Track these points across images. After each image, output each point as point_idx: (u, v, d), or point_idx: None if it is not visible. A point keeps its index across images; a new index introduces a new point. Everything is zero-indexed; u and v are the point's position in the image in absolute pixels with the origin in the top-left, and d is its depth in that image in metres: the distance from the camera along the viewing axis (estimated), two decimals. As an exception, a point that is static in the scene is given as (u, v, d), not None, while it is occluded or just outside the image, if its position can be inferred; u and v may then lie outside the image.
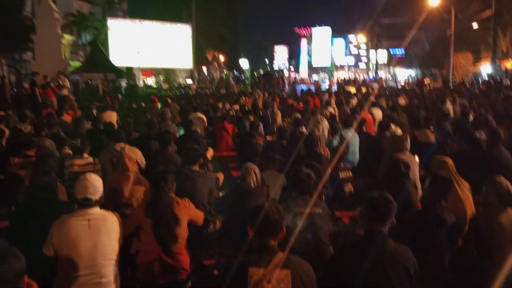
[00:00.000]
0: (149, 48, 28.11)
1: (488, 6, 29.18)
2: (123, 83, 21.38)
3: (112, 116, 9.06)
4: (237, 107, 11.98)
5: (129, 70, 21.14)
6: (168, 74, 31.80)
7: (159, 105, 12.55)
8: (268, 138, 8.08)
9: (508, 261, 3.18)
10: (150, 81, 26.62)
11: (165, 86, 25.71)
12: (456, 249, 3.26)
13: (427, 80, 31.18)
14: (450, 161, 4.24)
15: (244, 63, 59.36)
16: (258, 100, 14.32)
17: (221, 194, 4.91)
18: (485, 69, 33.43)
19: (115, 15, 32.49)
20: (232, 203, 3.90)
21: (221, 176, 5.25)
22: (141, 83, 25.94)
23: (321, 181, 3.99)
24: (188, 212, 3.39)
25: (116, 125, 8.28)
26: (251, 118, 8.69)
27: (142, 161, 5.38)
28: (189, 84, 27.51)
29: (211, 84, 29.36)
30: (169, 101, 13.49)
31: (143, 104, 13.28)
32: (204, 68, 40.94)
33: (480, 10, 30.53)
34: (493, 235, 3.21)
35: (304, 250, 3.07)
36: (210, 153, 6.56)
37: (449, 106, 11.12)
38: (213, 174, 4.97)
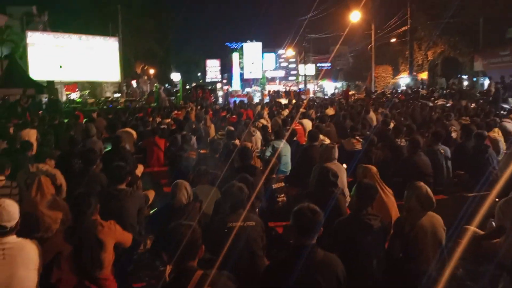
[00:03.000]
0: (73, 61, 26.76)
1: (405, 22, 31.57)
2: (44, 99, 20.09)
3: (31, 134, 8.43)
4: (168, 120, 11.73)
5: (50, 84, 19.82)
6: (94, 88, 30.46)
7: (84, 121, 11.93)
8: (202, 151, 8.00)
9: (430, 260, 3.38)
10: (74, 96, 25.24)
11: (90, 100, 24.46)
12: (382, 253, 3.38)
13: (351, 92, 32.87)
14: (374, 169, 4.44)
15: (175, 76, 58.73)
16: (191, 113, 14.18)
17: (151, 212, 4.72)
18: (404, 80, 36.01)
19: (34, 29, 30.57)
20: (162, 221, 3.76)
21: (151, 194, 5.07)
22: (64, 98, 24.50)
23: (253, 193, 3.99)
24: (113, 235, 3.19)
25: (35, 143, 7.71)
26: (183, 132, 8.53)
27: (62, 181, 5.01)
28: (117, 98, 26.50)
29: (141, 98, 28.61)
30: (95, 116, 12.89)
31: (66, 120, 12.54)
32: (134, 82, 39.79)
33: (397, 26, 32.95)
34: (416, 237, 3.38)
35: (238, 264, 3.04)
36: (140, 169, 6.34)
37: (372, 115, 11.77)
38: (142, 192, 4.77)
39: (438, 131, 6.60)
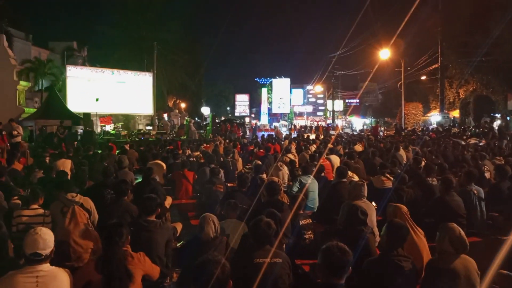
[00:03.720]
0: (109, 95, 27.87)
1: (435, 60, 31.41)
2: (80, 130, 20.85)
3: (66, 164, 8.73)
4: (197, 153, 11.90)
5: (86, 116, 20.63)
6: (128, 120, 31.43)
7: (117, 152, 12.26)
8: (229, 185, 8.02)
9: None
10: (109, 128, 26.08)
11: (123, 132, 25.20)
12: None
13: (380, 128, 32.58)
14: (404, 208, 4.35)
15: (205, 110, 59.90)
16: (219, 146, 14.34)
17: (179, 245, 4.74)
18: (434, 118, 35.45)
19: (74, 63, 32.23)
20: (189, 255, 3.77)
21: (179, 226, 5.11)
22: (98, 130, 25.33)
23: (281, 230, 3.97)
24: (143, 267, 3.23)
25: (70, 174, 7.97)
26: (212, 165, 8.63)
27: (94, 211, 5.14)
28: (149, 130, 27.18)
29: (172, 130, 29.24)
30: (127, 147, 13.21)
31: (99, 151, 12.93)
32: (165, 115, 40.84)
33: (428, 64, 32.79)
34: (449, 281, 3.26)
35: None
36: (168, 201, 6.41)
37: (402, 153, 11.59)
38: (170, 224, 4.82)
39: (471, 171, 6.44)
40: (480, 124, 25.38)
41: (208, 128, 30.01)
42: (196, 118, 49.94)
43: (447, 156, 11.04)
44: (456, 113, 34.04)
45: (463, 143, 15.44)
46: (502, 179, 6.43)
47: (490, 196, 6.19)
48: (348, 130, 39.38)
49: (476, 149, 12.46)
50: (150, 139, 22.61)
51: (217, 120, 37.36)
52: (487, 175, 8.20)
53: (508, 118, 27.30)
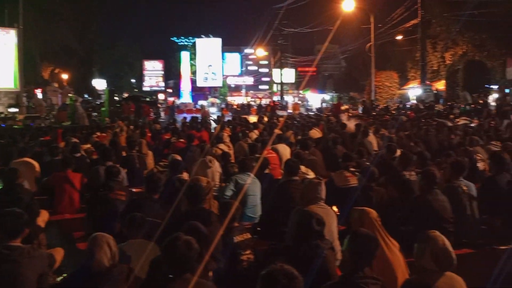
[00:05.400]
0: None
1: (415, 14, 32.55)
2: None
3: None
4: (87, 146, 11.58)
5: None
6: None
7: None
8: (134, 190, 7.94)
9: None
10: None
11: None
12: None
13: (344, 106, 33.47)
14: (374, 213, 4.50)
15: (99, 83, 58.36)
16: (119, 136, 14.04)
17: (58, 279, 4.60)
18: (414, 92, 36.99)
19: None
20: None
21: (59, 253, 4.98)
22: None
23: (207, 251, 3.96)
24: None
25: None
26: (109, 162, 8.44)
27: None
28: (13, 114, 26.14)
29: (49, 114, 28.25)
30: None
31: None
32: (38, 92, 39.20)
33: (405, 19, 33.81)
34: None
35: None
36: (43, 217, 6.19)
37: (371, 139, 12.00)
38: (46, 250, 4.67)
39: (460, 161, 6.77)
40: (471, 99, 26.78)
41: (103, 109, 29.37)
42: (86, 96, 48.56)
43: (429, 142, 11.58)
44: (441, 85, 35.71)
45: (450, 124, 16.28)
46: (498, 171, 6.75)
47: (484, 193, 6.53)
48: (301, 110, 40.19)
49: (467, 132, 13.17)
50: (15, 126, 21.75)
51: (116, 98, 36.53)
52: (480, 165, 8.68)
53: (507, 91, 28.92)
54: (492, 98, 28.23)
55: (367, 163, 8.00)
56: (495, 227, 6.08)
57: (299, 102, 50.77)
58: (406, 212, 5.56)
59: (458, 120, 19.51)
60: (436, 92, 34.21)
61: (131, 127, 18.28)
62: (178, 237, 3.53)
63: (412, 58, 39.39)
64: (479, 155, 9.02)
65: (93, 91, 54.60)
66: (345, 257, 3.59)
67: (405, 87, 40.60)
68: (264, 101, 55.49)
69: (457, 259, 3.60)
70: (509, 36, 28.34)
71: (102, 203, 6.44)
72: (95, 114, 30.51)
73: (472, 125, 16.77)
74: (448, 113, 23.17)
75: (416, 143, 11.02)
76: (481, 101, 25.31)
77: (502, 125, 16.13)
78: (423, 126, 15.30)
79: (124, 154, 10.36)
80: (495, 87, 30.60)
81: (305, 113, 33.35)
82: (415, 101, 32.84)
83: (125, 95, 57.14)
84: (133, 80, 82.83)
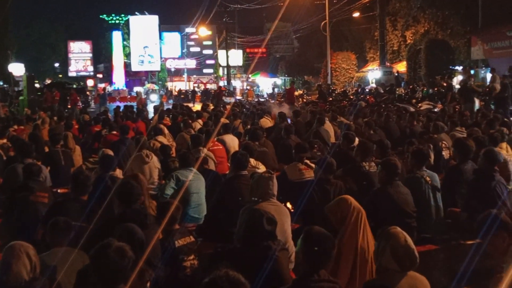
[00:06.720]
0: None
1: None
2: None
3: None
4: (3, 141, 11.29)
5: None
6: None
7: None
8: (59, 191, 7.78)
9: None
10: None
11: None
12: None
13: (298, 91, 33.71)
14: (354, 202, 4.61)
15: (16, 68, 56.71)
16: (41, 128, 13.72)
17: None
18: (373, 74, 37.59)
19: None
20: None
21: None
22: None
23: (142, 257, 3.91)
24: None
25: None
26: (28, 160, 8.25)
27: None
28: None
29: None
30: None
31: None
32: None
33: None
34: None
35: None
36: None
37: (328, 127, 12.15)
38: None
39: (422, 149, 6.93)
40: (434, 81, 27.39)
41: (21, 98, 28.68)
42: (1, 83, 47.15)
43: (390, 130, 11.83)
44: (402, 67, 36.43)
45: (412, 109, 16.66)
46: (463, 159, 6.93)
47: (448, 183, 6.72)
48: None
49: (430, 117, 13.50)
50: None
51: (37, 85, 35.70)
52: (445, 154, 8.91)
53: (472, 72, 29.69)
54: (457, 80, 28.85)
55: (322, 155, 8.09)
56: (460, 221, 6.20)
57: (250, 87, 50.94)
58: (366, 207, 5.65)
59: (420, 104, 19.99)
60: (397, 74, 34.76)
61: (55, 118, 17.88)
62: (109, 243, 3.46)
63: (371, 38, 40.04)
64: (444, 142, 9.20)
65: (9, 78, 53.07)
66: (299, 259, 3.61)
67: (364, 69, 41.22)
68: (209, 87, 55.33)
69: (420, 256, 3.67)
70: (473, 12, 28.85)
71: (21, 206, 6.33)
72: (11, 104, 29.80)
73: (436, 110, 17.19)
74: (410, 97, 23.69)
75: (376, 131, 11.22)
76: (444, 84, 25.84)
77: (467, 108, 16.59)
78: (383, 112, 15.57)
79: (46, 149, 10.24)
80: (459, 68, 31.30)
81: (255, 100, 33.47)
82: (374, 85, 33.35)
83: (48, 81, 55.95)
84: (56, 64, 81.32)
